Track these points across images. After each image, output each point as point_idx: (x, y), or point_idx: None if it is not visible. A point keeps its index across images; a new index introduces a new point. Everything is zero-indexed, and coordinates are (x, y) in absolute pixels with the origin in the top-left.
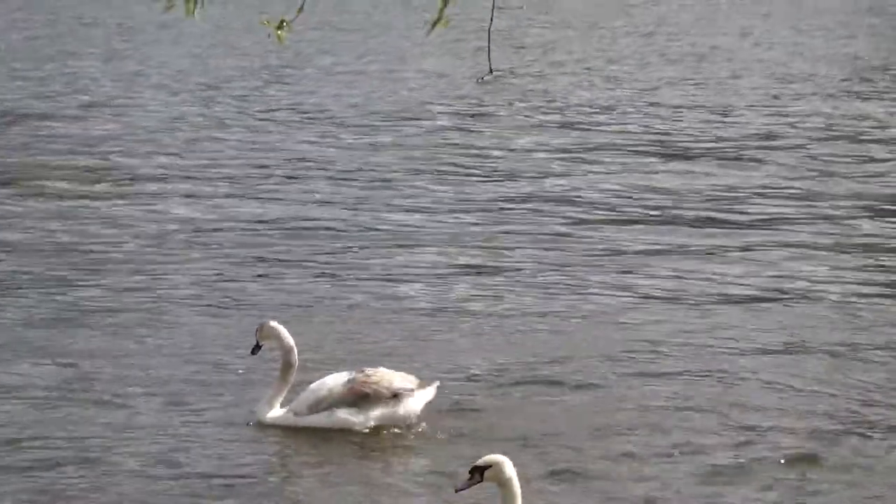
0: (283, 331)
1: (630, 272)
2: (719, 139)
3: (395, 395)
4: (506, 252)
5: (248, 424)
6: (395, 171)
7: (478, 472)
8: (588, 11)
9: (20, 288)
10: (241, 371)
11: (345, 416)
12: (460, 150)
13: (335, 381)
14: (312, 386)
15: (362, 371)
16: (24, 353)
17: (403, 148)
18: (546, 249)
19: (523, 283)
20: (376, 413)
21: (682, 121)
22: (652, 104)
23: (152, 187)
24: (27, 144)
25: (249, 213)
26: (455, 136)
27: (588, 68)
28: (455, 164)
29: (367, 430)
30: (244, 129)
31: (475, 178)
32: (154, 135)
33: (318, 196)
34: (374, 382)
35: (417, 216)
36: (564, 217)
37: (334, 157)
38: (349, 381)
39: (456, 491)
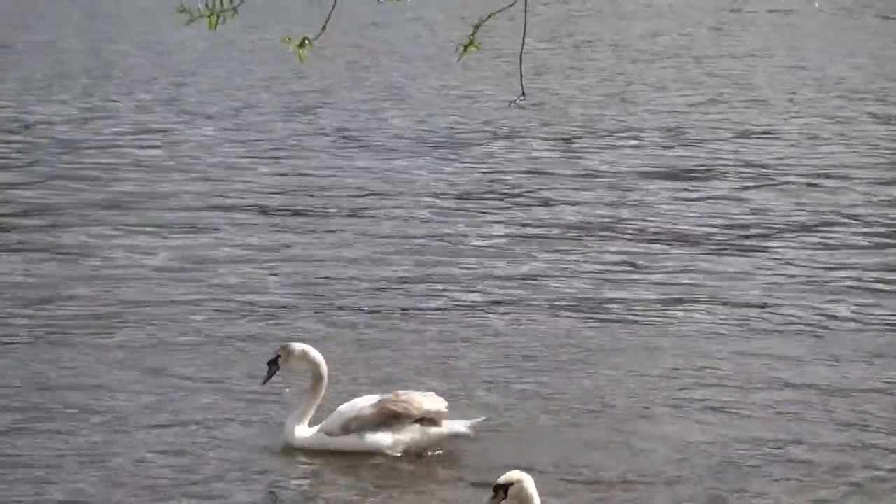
0: (311, 350)
1: (693, 300)
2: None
3: (427, 419)
4: (552, 278)
5: (278, 448)
6: (446, 195)
7: (501, 490)
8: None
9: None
10: (272, 392)
11: (375, 438)
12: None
13: (365, 402)
14: (343, 407)
15: (394, 392)
16: (43, 377)
17: (451, 172)
18: (596, 278)
19: (567, 310)
20: (406, 436)
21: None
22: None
23: (182, 213)
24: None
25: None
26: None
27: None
28: (490, 189)
29: (399, 455)
30: (282, 152)
31: (515, 204)
32: (188, 162)
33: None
34: (403, 402)
35: (466, 245)
36: (613, 244)
37: (374, 180)
38: (379, 401)
39: None
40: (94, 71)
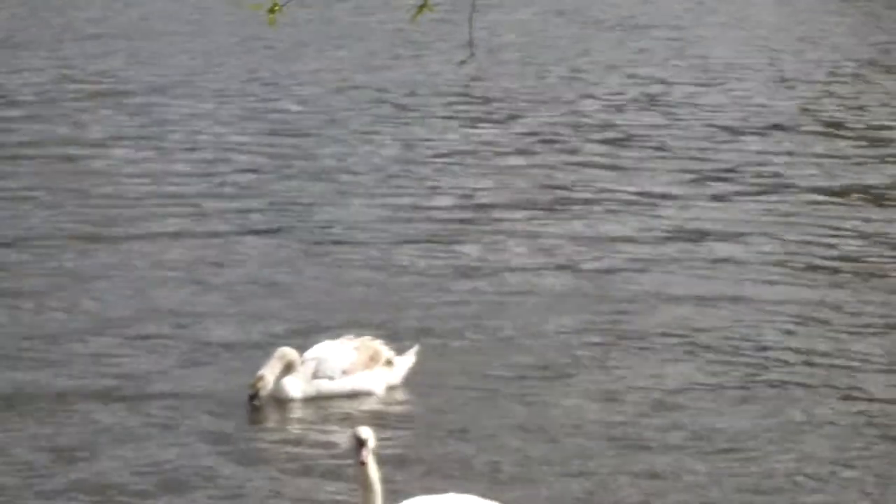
0: (276, 361)
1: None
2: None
3: (389, 361)
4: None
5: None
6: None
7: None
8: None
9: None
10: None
11: (366, 379)
12: None
13: (345, 346)
14: (323, 353)
15: (356, 338)
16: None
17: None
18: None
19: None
20: (384, 376)
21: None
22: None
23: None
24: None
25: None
26: None
27: None
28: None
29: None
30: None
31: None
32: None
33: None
34: (374, 346)
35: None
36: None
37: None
38: (360, 346)
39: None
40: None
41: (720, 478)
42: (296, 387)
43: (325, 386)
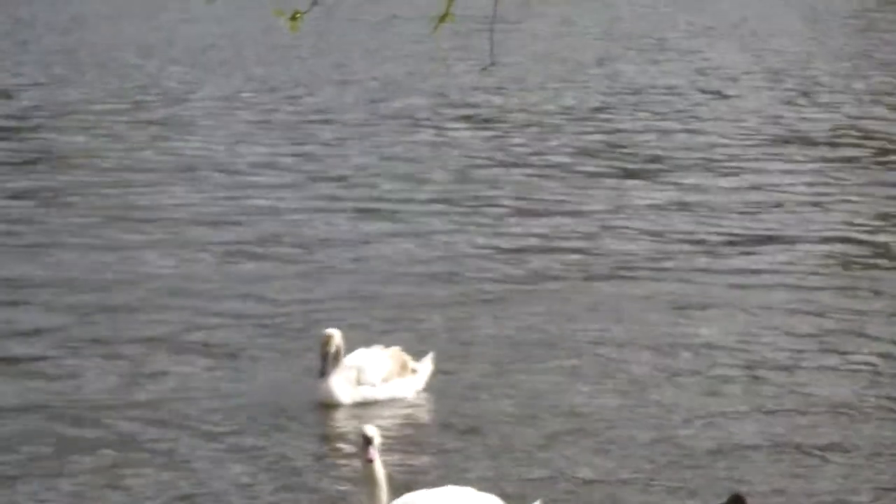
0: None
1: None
2: None
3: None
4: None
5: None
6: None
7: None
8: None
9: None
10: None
11: (401, 386)
12: None
13: (379, 354)
14: (361, 361)
15: (387, 347)
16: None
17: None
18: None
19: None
20: (414, 383)
21: None
22: None
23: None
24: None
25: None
26: None
27: None
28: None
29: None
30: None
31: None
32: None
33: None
34: (403, 356)
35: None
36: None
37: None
38: (392, 354)
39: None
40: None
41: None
42: (346, 392)
43: (369, 392)
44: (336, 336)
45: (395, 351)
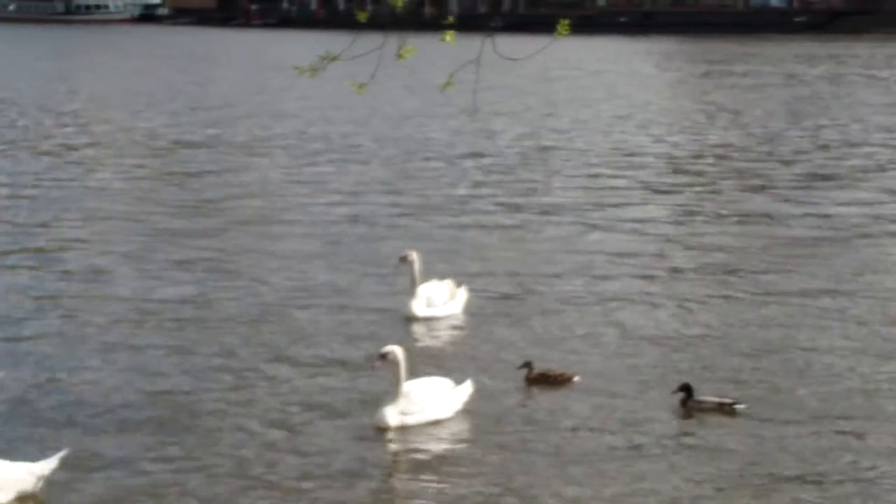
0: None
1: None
2: None
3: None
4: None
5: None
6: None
7: (382, 357)
8: None
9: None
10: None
11: (452, 306)
12: None
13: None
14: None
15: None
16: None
17: None
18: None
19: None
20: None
21: None
22: None
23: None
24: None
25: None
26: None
27: None
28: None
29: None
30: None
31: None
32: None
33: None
34: (453, 286)
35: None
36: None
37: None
38: (446, 285)
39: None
40: None
41: None
42: (422, 310)
43: (436, 311)
44: (415, 256)
45: (448, 282)
